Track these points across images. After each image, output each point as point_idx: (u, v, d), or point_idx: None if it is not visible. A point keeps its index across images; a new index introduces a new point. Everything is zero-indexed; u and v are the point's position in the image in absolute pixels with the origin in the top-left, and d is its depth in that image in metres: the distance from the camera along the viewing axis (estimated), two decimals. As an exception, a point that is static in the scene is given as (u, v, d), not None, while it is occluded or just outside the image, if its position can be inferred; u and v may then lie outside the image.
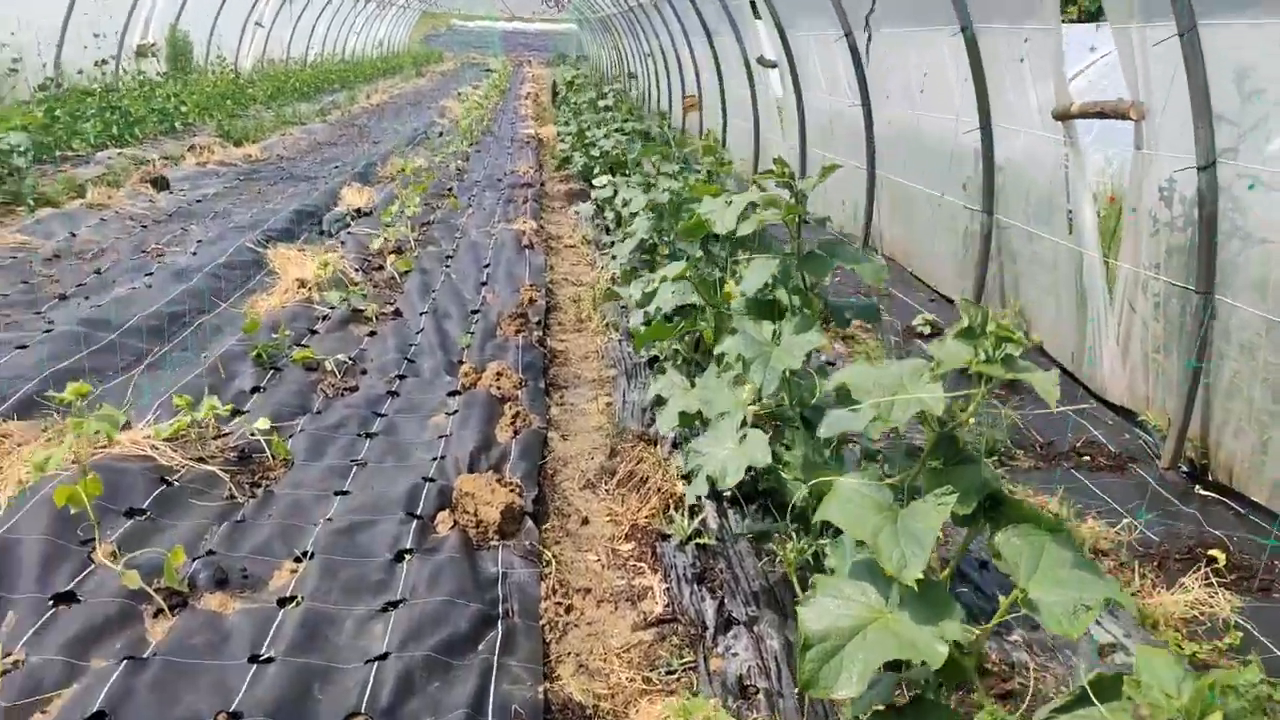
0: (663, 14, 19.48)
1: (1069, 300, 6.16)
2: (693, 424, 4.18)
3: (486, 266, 8.59)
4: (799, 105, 11.91)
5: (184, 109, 15.16)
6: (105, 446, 4.35)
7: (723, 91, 15.91)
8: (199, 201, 10.67)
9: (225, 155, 13.86)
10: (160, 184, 10.90)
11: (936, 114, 7.79)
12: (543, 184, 13.73)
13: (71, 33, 15.63)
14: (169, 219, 9.71)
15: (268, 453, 4.54)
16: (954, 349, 2.17)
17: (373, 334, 6.60)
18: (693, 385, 4.24)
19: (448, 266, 8.53)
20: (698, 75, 18.26)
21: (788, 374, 3.20)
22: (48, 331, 5.89)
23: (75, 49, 15.91)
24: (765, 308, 3.64)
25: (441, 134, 18.60)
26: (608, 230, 10.16)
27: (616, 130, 11.19)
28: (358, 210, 10.23)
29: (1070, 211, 6.17)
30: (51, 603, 3.28)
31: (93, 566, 3.49)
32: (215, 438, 4.67)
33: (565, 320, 7.33)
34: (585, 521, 4.32)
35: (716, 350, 3.83)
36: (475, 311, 7.14)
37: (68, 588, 3.36)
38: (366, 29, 38.20)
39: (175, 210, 10.03)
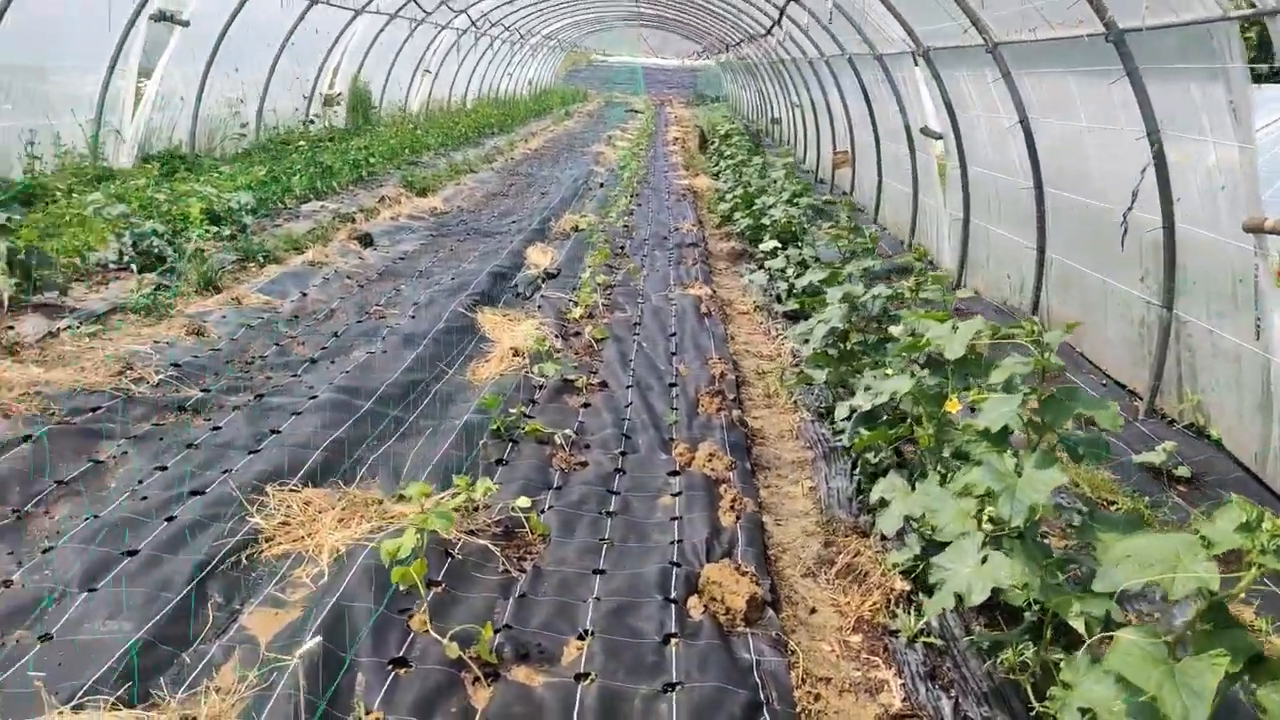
0: (817, 70, 19.93)
1: (1253, 401, 6.35)
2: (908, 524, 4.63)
3: (673, 335, 9.14)
4: (964, 177, 12.20)
5: (372, 160, 16.21)
6: (392, 519, 5.01)
7: (879, 151, 16.22)
8: (401, 259, 11.51)
9: (413, 207, 14.78)
10: (366, 241, 11.80)
11: (1117, 206, 8.01)
12: (705, 241, 14.27)
13: (275, 87, 16.88)
14: (380, 278, 10.54)
15: (527, 528, 5.13)
16: (1227, 532, 2.58)
17: (586, 405, 7.17)
18: (912, 487, 4.68)
19: (636, 334, 9.11)
20: (851, 131, 18.65)
21: (1033, 507, 3.62)
22: (313, 399, 6.62)
23: (275, 102, 17.17)
24: (1000, 435, 4.06)
25: (602, 184, 19.34)
26: (779, 299, 10.63)
27: (788, 202, 11.66)
28: (546, 273, 10.92)
29: (1259, 319, 6.38)
30: (390, 667, 3.89)
31: (413, 634, 4.11)
32: (475, 509, 5.28)
33: (754, 395, 7.80)
34: (813, 610, 4.77)
35: (943, 466, 4.27)
36: (672, 384, 7.68)
37: (400, 654, 3.97)
38: (519, 70, 39.60)
39: (384, 269, 10.86)
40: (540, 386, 7.50)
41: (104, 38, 12.00)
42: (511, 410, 6.59)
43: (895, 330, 6.88)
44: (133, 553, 4.54)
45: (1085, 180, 8.78)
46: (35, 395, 6.05)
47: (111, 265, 9.21)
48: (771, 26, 17.31)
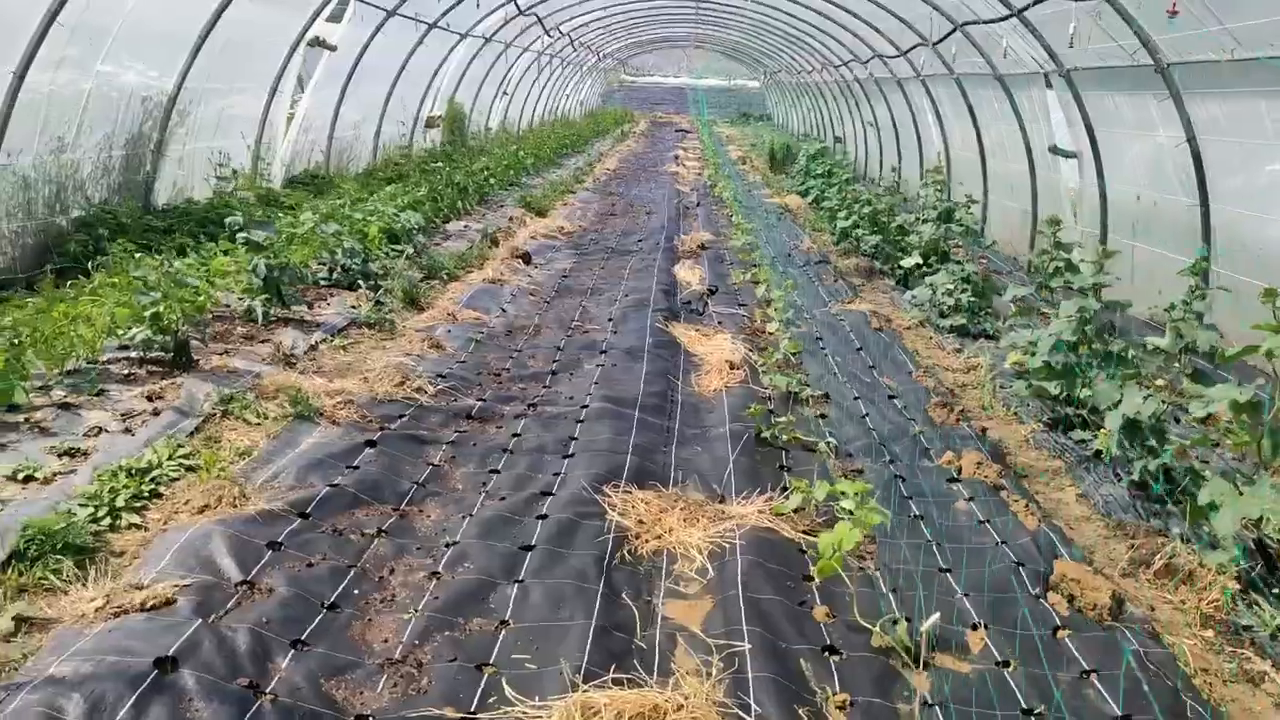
0: (906, 90, 20.18)
1: None
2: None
3: (859, 350, 9.41)
4: (1102, 196, 12.44)
5: (491, 181, 16.58)
6: (729, 519, 5.30)
7: (984, 169, 16.42)
8: (565, 276, 11.84)
9: (543, 226, 15.14)
10: (526, 259, 12.12)
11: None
12: (828, 259, 14.55)
13: (391, 110, 17.27)
14: (559, 294, 10.87)
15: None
16: None
17: (823, 415, 7.44)
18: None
19: (822, 348, 9.39)
20: (947, 149, 18.85)
21: None
22: (585, 408, 6.92)
23: (389, 124, 17.57)
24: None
25: (699, 204, 19.65)
26: (942, 315, 10.87)
27: (940, 219, 11.96)
28: (710, 289, 11.21)
29: None
30: (825, 654, 4.17)
31: (824, 623, 4.38)
32: (796, 511, 5.55)
33: (969, 406, 8.05)
34: (1151, 608, 5.03)
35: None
36: (892, 397, 7.94)
37: (828, 642, 4.25)
38: (574, 92, 40.10)
39: (557, 285, 11.19)
40: (768, 398, 7.76)
41: (267, 61, 12.37)
42: (777, 419, 6.85)
43: (1161, 342, 7.14)
44: (528, 548, 4.82)
45: (1251, 199, 9.05)
46: (346, 404, 6.34)
47: (322, 282, 9.53)
48: (899, 54, 17.50)
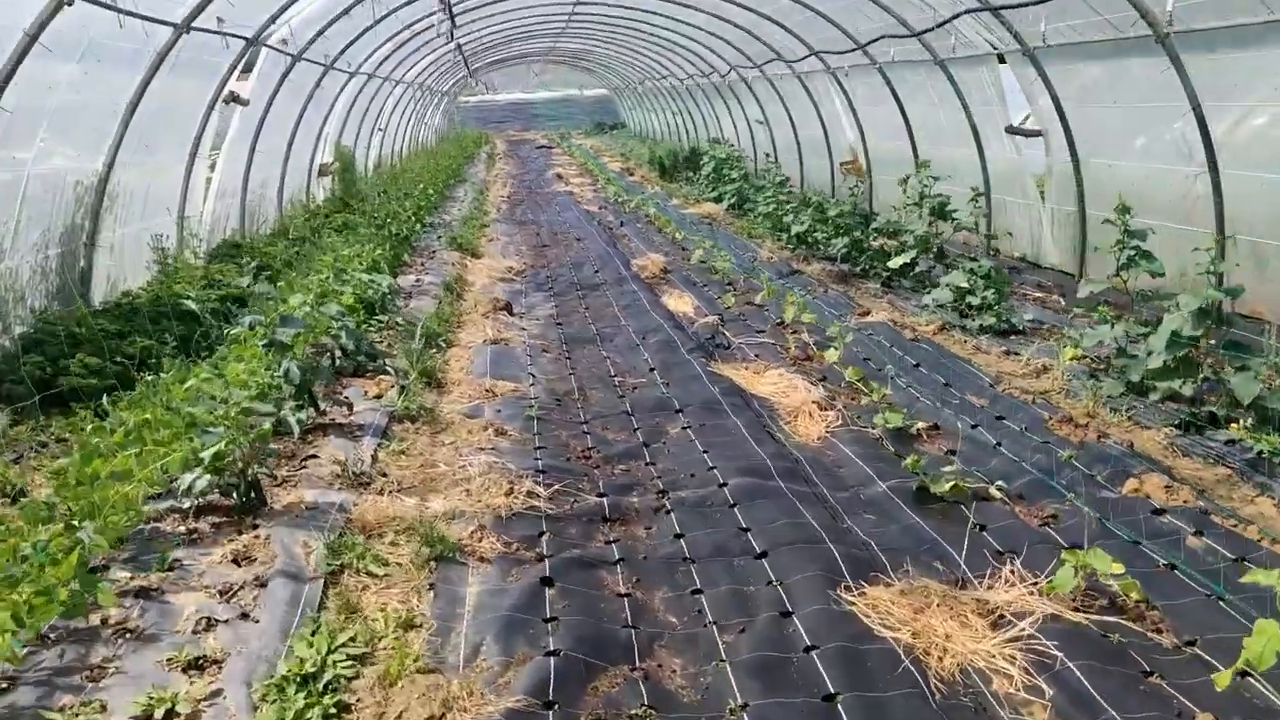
0: (808, 85, 19.72)
1: None
2: None
3: (917, 366, 8.77)
4: (1077, 172, 12.14)
5: (418, 227, 15.34)
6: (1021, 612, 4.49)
7: (916, 155, 15.98)
8: (559, 324, 10.85)
9: (485, 269, 14.07)
10: (508, 309, 11.07)
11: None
12: (793, 267, 13.94)
13: (292, 163, 15.83)
14: (570, 344, 9.90)
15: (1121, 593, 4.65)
16: None
17: (951, 452, 6.71)
18: None
19: (874, 366, 8.73)
20: (864, 139, 18.45)
21: None
22: (722, 486, 6.01)
23: (290, 177, 16.10)
24: None
25: (622, 224, 18.84)
26: (963, 316, 10.35)
27: (935, 214, 11.43)
28: (721, 318, 10.39)
29: None
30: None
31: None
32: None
33: (1075, 416, 7.44)
34: None
35: None
36: (1000, 417, 7.29)
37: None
38: (432, 118, 38.63)
39: (560, 336, 10.22)
40: (879, 439, 7.02)
41: (188, 127, 10.92)
42: (929, 471, 6.08)
43: None
44: (830, 697, 3.89)
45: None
46: (477, 531, 5.26)
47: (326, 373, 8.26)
48: (805, 57, 16.92)
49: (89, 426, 5.89)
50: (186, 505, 5.50)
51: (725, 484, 6.04)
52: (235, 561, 5.00)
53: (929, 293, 11.20)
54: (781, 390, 8.11)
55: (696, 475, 6.31)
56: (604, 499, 5.94)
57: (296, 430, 6.62)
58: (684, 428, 7.26)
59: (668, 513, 5.73)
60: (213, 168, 12.57)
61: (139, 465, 5.13)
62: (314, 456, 6.54)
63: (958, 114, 14.38)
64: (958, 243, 14.00)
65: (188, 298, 9.53)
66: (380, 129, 25.27)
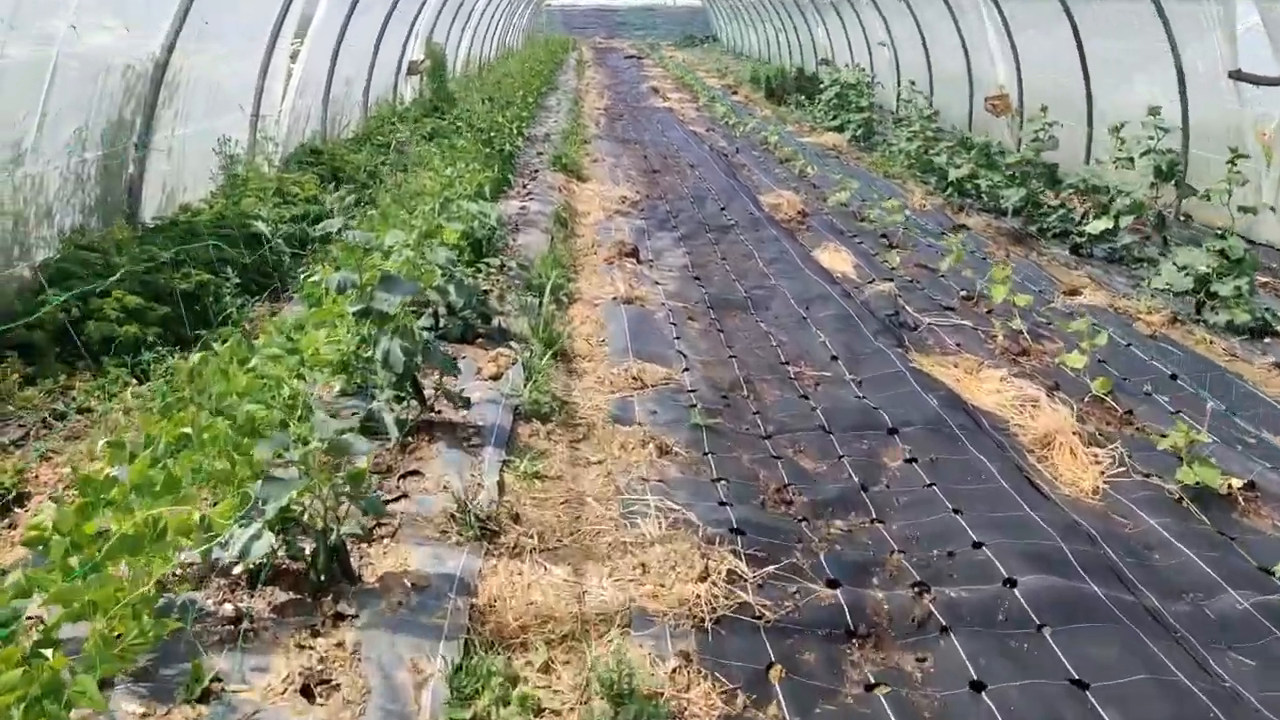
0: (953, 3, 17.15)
1: None
2: None
3: (1173, 378, 6.68)
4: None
5: (518, 140, 13.28)
6: None
7: (1090, 95, 13.53)
8: (696, 279, 8.86)
9: (596, 195, 12.08)
10: (634, 255, 9.05)
11: None
12: (958, 222, 11.74)
13: (381, 58, 13.78)
14: (716, 313, 7.88)
15: None
16: None
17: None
18: None
19: (1118, 375, 6.63)
20: (1019, 69, 15.92)
21: None
22: (1008, 583, 3.99)
23: (378, 74, 14.06)
24: None
25: (738, 150, 16.63)
26: (1199, 306, 8.20)
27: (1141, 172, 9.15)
28: (894, 284, 8.29)
29: None
30: None
31: None
32: None
33: None
34: None
35: None
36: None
37: None
38: (519, 18, 36.22)
39: (705, 298, 8.22)
40: (1179, 499, 4.98)
41: (264, 6, 8.87)
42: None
43: None
44: None
45: None
46: (681, 669, 3.30)
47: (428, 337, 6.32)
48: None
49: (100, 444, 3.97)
50: (239, 570, 3.61)
51: (1012, 582, 4.03)
52: (305, 692, 3.12)
53: (1142, 268, 9.01)
54: (1014, 404, 6.06)
55: (958, 556, 4.33)
56: (837, 591, 3.97)
57: (395, 435, 4.73)
58: (907, 459, 5.27)
59: (943, 631, 3.76)
60: (293, 59, 10.56)
61: (157, 524, 3.21)
62: (416, 474, 4.65)
63: (1153, 49, 11.89)
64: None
65: (257, 216, 7.66)
66: (468, 28, 23.05)
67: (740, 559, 4.09)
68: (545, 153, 14.26)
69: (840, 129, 18.83)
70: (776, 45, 32.63)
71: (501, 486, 4.62)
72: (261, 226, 7.65)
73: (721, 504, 4.66)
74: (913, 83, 17.52)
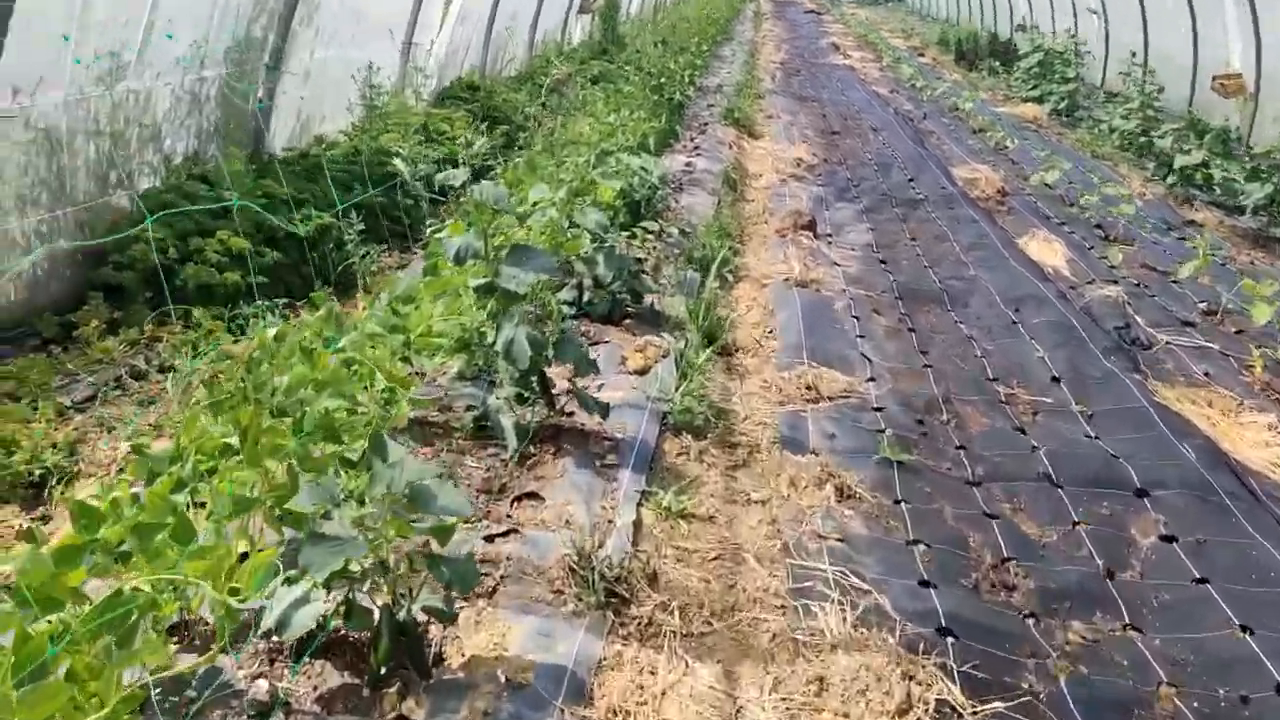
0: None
1: None
2: None
3: None
4: None
5: (690, 89, 12.07)
6: None
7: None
8: (881, 261, 7.58)
9: (768, 155, 10.88)
10: (811, 228, 7.80)
11: None
12: (1185, 217, 10.01)
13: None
14: (904, 305, 6.58)
15: None
16: None
17: None
18: None
19: None
20: (1258, 46, 13.75)
21: None
22: None
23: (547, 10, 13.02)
24: None
25: (925, 116, 15.02)
26: None
27: None
28: (1124, 296, 6.81)
29: None
30: None
31: None
32: None
33: None
34: None
35: None
36: None
37: None
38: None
39: (890, 287, 6.93)
40: None
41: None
42: None
43: None
44: None
45: None
46: None
47: (566, 313, 5.28)
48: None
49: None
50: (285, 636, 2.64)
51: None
52: None
53: None
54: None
55: (1254, 704, 3.03)
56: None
57: (513, 445, 3.71)
58: (1164, 536, 3.97)
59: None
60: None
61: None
62: (534, 498, 3.62)
63: None
64: None
65: (396, 154, 6.73)
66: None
67: (953, 680, 2.92)
68: (716, 105, 13.05)
69: (1040, 100, 16.93)
70: (967, 7, 30.23)
71: (638, 527, 3.55)
72: (399, 166, 6.71)
73: (923, 584, 3.48)
74: (1133, 54, 15.48)
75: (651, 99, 9.58)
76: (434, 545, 2.60)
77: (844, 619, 3.13)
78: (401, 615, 2.54)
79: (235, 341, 4.82)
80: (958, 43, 23.29)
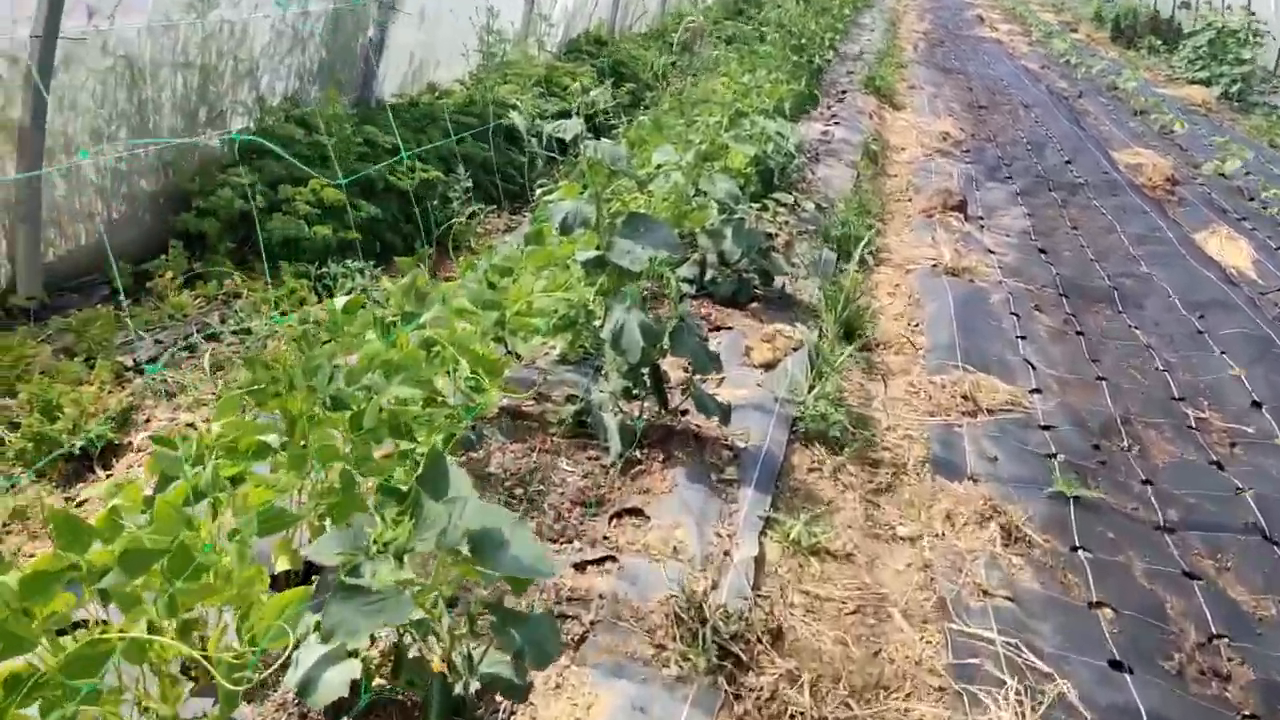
0: None
1: None
2: None
3: None
4: None
5: (829, 56, 11.20)
6: None
7: None
8: (1040, 250, 6.68)
9: (910, 127, 10.01)
10: (960, 210, 6.95)
11: None
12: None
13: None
14: (1066, 295, 5.70)
15: None
16: None
17: None
18: None
19: None
20: None
21: None
22: None
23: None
24: None
25: (1080, 93, 13.82)
26: None
27: None
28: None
29: None
30: None
31: None
32: None
33: None
34: None
35: None
36: None
37: None
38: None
39: (1054, 280, 6.05)
40: None
41: None
42: None
43: None
44: None
45: None
46: None
47: (686, 286, 4.64)
48: None
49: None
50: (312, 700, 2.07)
51: None
52: None
53: None
54: None
55: None
56: None
57: (616, 449, 3.10)
58: None
59: None
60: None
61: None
62: (637, 515, 3.01)
63: None
64: None
65: (513, 107, 6.14)
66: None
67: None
68: (855, 73, 12.14)
69: (1207, 82, 15.49)
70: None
71: (760, 563, 2.90)
72: (516, 120, 6.14)
73: (1114, 664, 2.74)
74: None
75: (790, 60, 8.78)
76: (504, 583, 1.99)
77: (1016, 714, 2.43)
78: (459, 688, 1.94)
79: (319, 303, 4.32)
80: (1115, 19, 21.65)
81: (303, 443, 2.33)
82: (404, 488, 1.88)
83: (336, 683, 1.93)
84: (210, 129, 4.63)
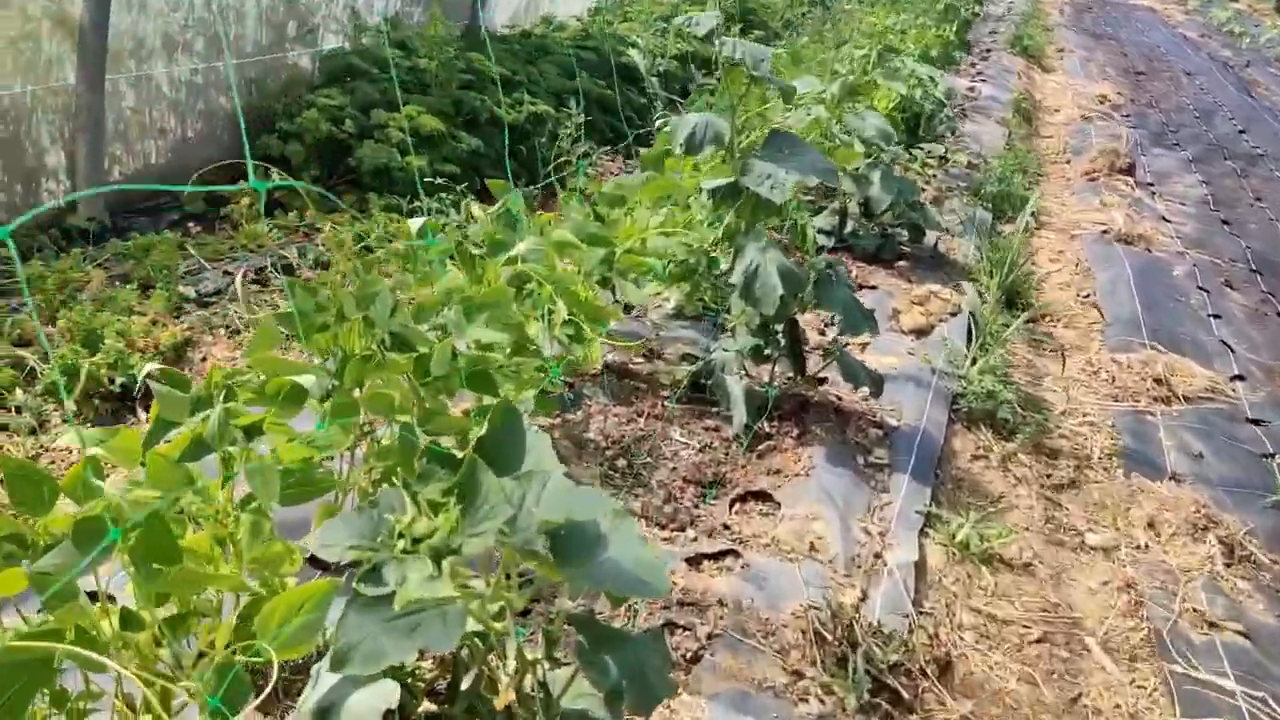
0: None
1: None
2: None
3: None
4: None
5: (976, 9, 10.29)
6: None
7: None
8: (1224, 221, 5.80)
9: (1063, 88, 9.05)
10: (1129, 173, 6.11)
11: None
12: None
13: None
14: (1257, 269, 4.87)
15: None
16: None
17: None
18: None
19: None
20: None
21: None
22: None
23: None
24: None
25: (1248, 63, 12.60)
26: None
27: None
28: None
29: None
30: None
31: None
32: None
33: None
34: None
35: None
36: None
37: None
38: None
39: (1246, 255, 5.17)
40: None
41: None
42: None
43: None
44: None
45: None
46: None
47: (822, 239, 3.99)
48: None
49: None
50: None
51: None
52: None
53: None
54: None
55: None
56: None
57: (741, 419, 2.53)
58: None
59: None
60: None
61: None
62: (764, 500, 2.43)
63: None
64: None
65: (633, 44, 5.56)
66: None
67: None
68: (999, 32, 11.23)
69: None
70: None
71: (920, 570, 2.28)
72: (635, 57, 5.58)
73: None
74: None
75: (936, 6, 7.98)
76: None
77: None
78: (528, 730, 1.39)
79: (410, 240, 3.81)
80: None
81: (354, 387, 1.81)
82: (460, 454, 1.33)
83: (365, 711, 1.39)
84: (300, 45, 4.17)
